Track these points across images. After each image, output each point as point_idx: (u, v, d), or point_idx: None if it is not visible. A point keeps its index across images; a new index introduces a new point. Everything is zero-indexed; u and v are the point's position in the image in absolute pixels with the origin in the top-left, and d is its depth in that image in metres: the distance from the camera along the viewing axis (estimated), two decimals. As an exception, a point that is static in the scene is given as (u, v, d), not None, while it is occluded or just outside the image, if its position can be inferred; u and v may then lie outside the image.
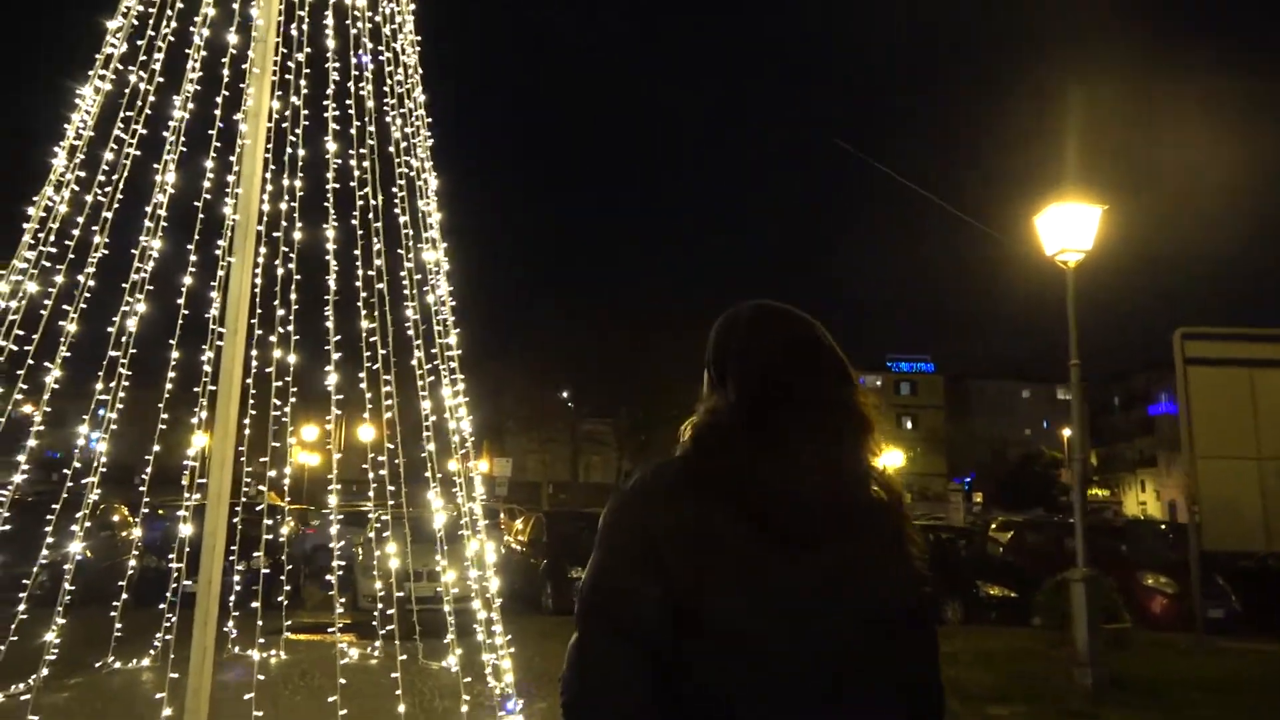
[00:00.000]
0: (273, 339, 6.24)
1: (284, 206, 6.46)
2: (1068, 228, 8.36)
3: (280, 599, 7.92)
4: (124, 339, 6.88)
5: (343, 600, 9.32)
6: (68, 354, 6.10)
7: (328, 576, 8.77)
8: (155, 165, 6.84)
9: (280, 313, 6.37)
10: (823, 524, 1.29)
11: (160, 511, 12.43)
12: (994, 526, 27.31)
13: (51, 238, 5.84)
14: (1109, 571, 10.73)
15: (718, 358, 1.45)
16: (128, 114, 6.46)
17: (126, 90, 6.39)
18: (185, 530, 5.59)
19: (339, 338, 5.72)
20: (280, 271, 6.43)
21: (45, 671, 7.00)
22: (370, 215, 6.03)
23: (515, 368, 40.95)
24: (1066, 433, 75.40)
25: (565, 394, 48.55)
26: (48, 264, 5.80)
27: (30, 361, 6.02)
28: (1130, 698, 7.03)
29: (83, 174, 6.28)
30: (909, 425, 76.38)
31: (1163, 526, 26.02)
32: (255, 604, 7.07)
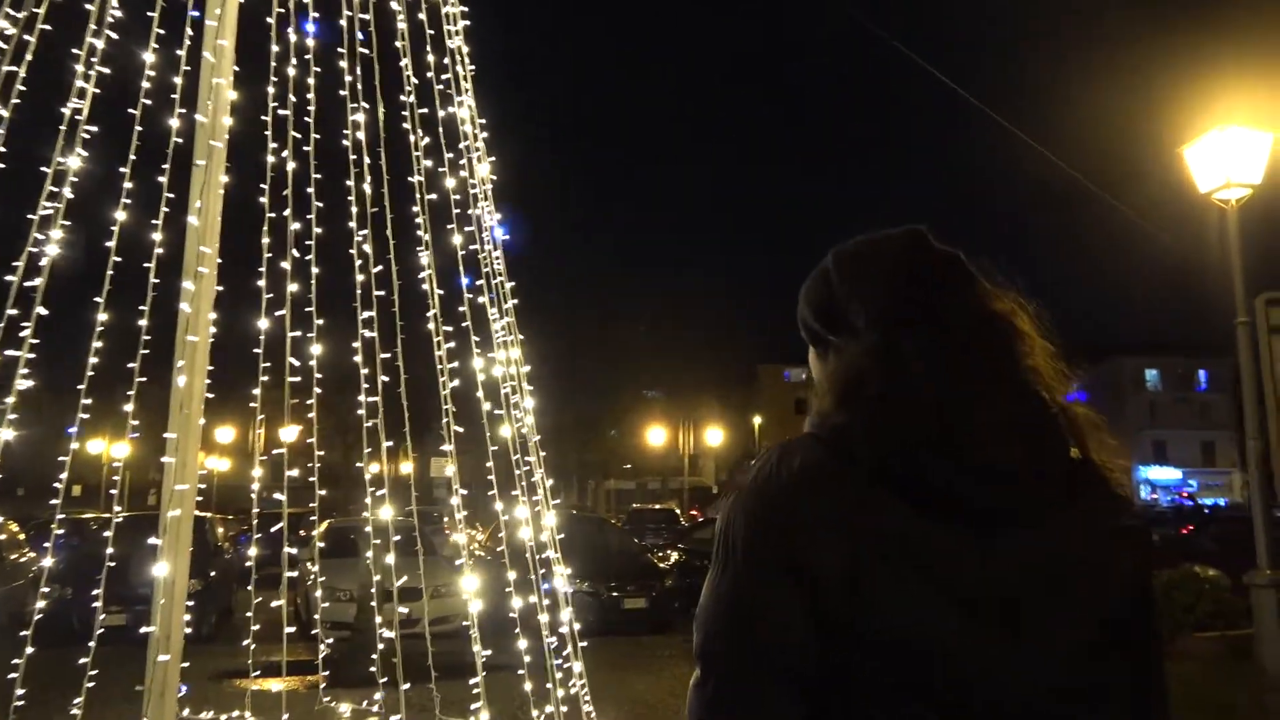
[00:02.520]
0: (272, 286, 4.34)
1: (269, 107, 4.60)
2: (1230, 159, 7.11)
3: (245, 640, 6.01)
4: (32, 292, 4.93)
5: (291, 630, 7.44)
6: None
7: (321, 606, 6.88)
8: (75, 49, 4.91)
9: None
10: (1028, 492, 0.97)
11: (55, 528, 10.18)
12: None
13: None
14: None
15: (823, 307, 1.15)
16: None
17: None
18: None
19: (378, 271, 3.95)
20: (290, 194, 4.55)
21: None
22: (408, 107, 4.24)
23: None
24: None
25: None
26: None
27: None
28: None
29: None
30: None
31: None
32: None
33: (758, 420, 64.84)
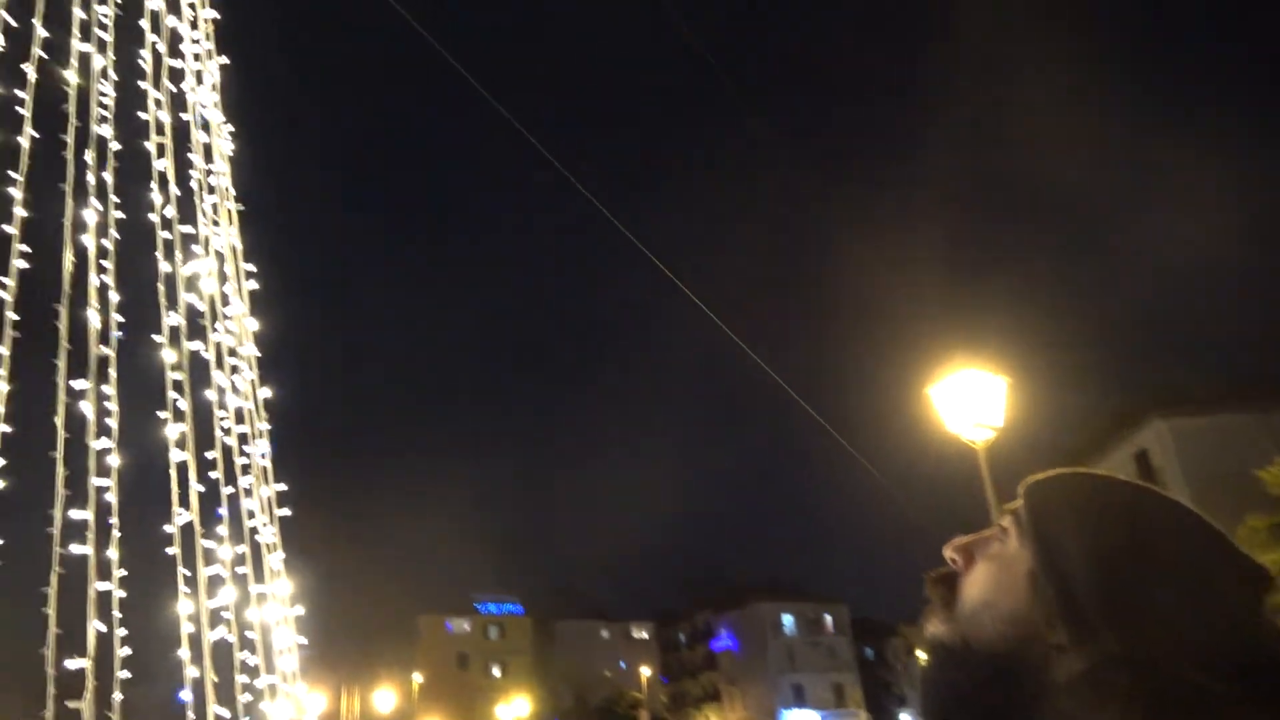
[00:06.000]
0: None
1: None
2: (972, 401, 7.74)
3: None
4: None
5: None
6: None
7: None
8: None
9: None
10: None
11: None
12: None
13: None
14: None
15: (1116, 572, 0.80)
16: None
17: None
18: None
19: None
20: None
21: None
22: None
23: None
24: (645, 671, 77.61)
25: None
26: None
27: None
28: None
29: None
30: (497, 673, 72.77)
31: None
32: None
33: (418, 677, 58.98)
